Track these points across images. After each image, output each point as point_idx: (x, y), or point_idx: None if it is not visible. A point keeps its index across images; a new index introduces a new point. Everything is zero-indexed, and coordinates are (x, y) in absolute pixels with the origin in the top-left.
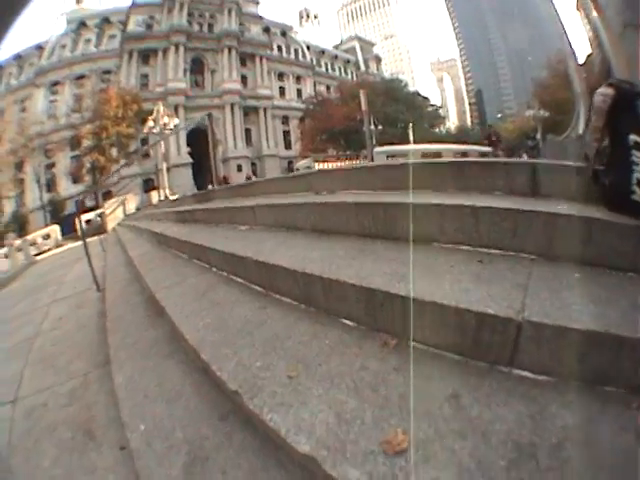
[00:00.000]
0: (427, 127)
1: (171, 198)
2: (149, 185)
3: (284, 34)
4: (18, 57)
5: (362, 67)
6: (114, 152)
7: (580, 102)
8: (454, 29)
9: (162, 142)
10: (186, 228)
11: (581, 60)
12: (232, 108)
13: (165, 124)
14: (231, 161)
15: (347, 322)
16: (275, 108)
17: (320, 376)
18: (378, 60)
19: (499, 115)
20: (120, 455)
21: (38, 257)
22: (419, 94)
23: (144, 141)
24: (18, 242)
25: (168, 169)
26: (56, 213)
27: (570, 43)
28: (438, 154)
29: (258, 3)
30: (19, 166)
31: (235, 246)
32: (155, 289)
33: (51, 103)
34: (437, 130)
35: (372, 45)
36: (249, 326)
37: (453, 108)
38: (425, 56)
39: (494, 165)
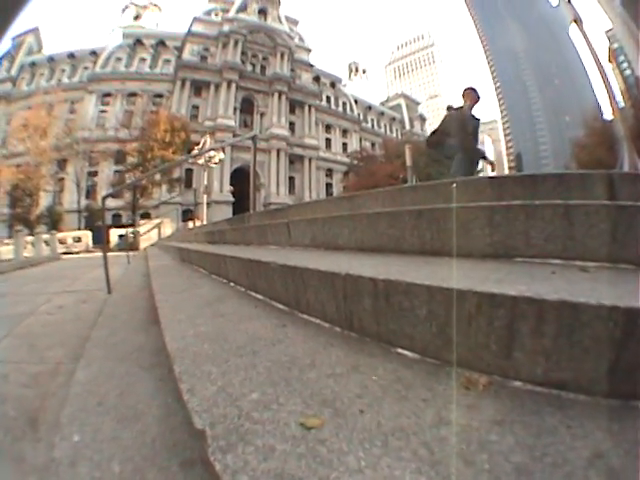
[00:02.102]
0: None
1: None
2: (187, 215)
3: (333, 85)
4: (71, 56)
5: (407, 125)
6: (157, 175)
7: (621, 155)
8: (496, 90)
9: (205, 175)
10: (212, 247)
11: (612, 114)
12: (278, 154)
13: (211, 157)
14: (272, 207)
15: (406, 352)
16: (320, 159)
17: (362, 431)
18: (423, 120)
19: None
20: (43, 462)
21: (64, 256)
22: None
23: (188, 171)
24: (46, 236)
25: (208, 203)
26: (91, 220)
27: (610, 95)
28: None
29: (310, 51)
30: (61, 165)
31: (259, 255)
32: (158, 294)
33: (101, 113)
34: None
35: (417, 104)
36: (256, 344)
37: (493, 172)
38: None
39: None
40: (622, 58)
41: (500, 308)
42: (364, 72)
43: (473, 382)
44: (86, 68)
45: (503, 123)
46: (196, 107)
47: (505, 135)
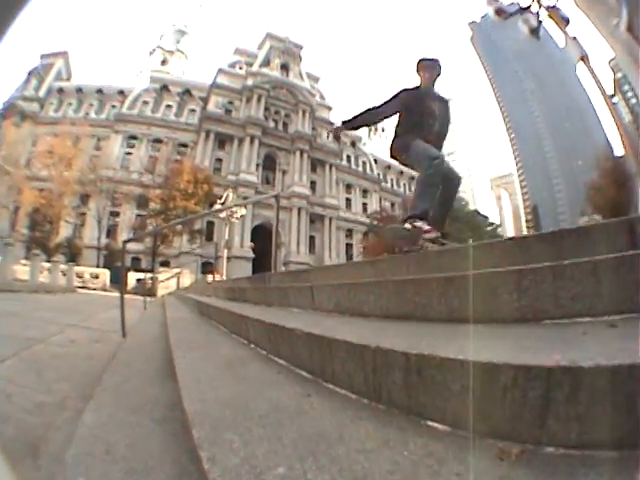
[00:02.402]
0: None
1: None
2: (207, 268)
3: (354, 144)
4: (99, 91)
5: None
6: (179, 225)
7: (636, 192)
8: (511, 142)
9: (227, 230)
10: (232, 305)
11: (623, 149)
12: (299, 212)
13: (233, 212)
14: (291, 265)
15: (436, 425)
16: (340, 219)
17: None
18: None
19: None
20: None
21: (80, 289)
22: (479, 212)
23: (209, 223)
24: (64, 266)
25: (228, 258)
26: (110, 259)
27: (619, 130)
28: None
29: (331, 109)
30: (84, 199)
31: (282, 319)
32: (176, 348)
33: (126, 155)
34: None
35: None
36: (280, 413)
37: (511, 226)
38: (484, 172)
39: None
40: (626, 87)
41: (536, 380)
42: (383, 130)
43: (506, 452)
44: (114, 106)
45: (519, 175)
46: (219, 160)
47: (521, 187)
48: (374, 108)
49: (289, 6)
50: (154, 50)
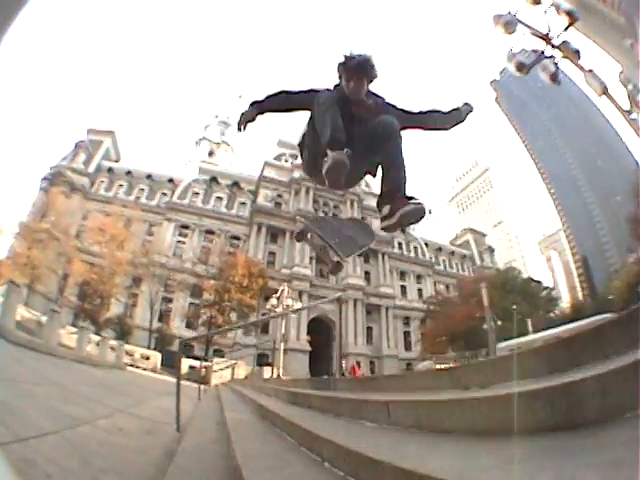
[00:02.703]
0: (543, 314)
1: (283, 377)
2: (262, 360)
3: (403, 231)
4: (149, 177)
5: (477, 261)
6: (233, 316)
7: None
8: (552, 197)
9: (283, 322)
10: (297, 411)
11: None
12: (355, 304)
13: (288, 306)
14: (350, 357)
15: None
16: (397, 308)
17: None
18: (491, 251)
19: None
20: None
21: (129, 367)
22: (532, 279)
23: (264, 315)
24: (114, 342)
25: (285, 351)
26: (161, 343)
27: None
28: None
29: (377, 196)
30: (136, 281)
31: (363, 444)
32: (244, 464)
33: (178, 243)
34: (553, 315)
35: (484, 236)
36: None
37: (564, 285)
38: (532, 236)
39: None
40: None
41: None
42: (430, 212)
43: None
44: (164, 194)
45: (564, 230)
46: (272, 253)
47: (569, 242)
48: (289, 92)
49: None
50: (200, 140)
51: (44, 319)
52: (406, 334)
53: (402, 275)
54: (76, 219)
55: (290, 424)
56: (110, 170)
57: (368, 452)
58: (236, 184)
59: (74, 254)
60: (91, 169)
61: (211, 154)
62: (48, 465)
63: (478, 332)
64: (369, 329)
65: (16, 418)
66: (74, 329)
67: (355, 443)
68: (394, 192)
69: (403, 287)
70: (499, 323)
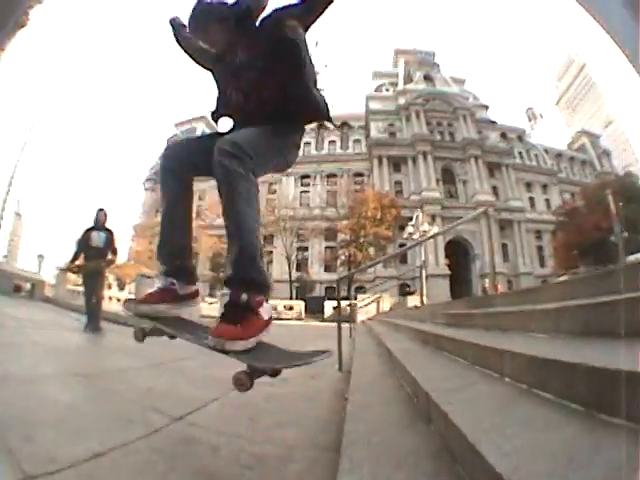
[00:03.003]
0: None
1: (428, 304)
2: (404, 289)
3: (521, 139)
4: None
5: (597, 166)
6: (371, 251)
7: None
8: None
9: (422, 249)
10: (460, 331)
11: None
12: (488, 221)
13: (425, 231)
14: (488, 277)
15: None
16: (527, 221)
17: None
18: (607, 154)
19: None
20: None
21: (275, 322)
22: None
23: (401, 245)
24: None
25: (426, 277)
26: (302, 291)
27: None
28: None
29: (487, 107)
30: (268, 239)
31: (544, 351)
32: (430, 389)
33: (303, 193)
34: None
35: (598, 137)
36: (580, 455)
37: None
38: None
39: None
40: None
41: None
42: (541, 117)
43: None
44: None
45: None
46: (398, 182)
47: None
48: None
49: (404, 17)
50: None
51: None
52: (539, 249)
53: (528, 186)
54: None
55: (457, 345)
56: None
57: (557, 357)
58: (345, 124)
59: (199, 232)
60: None
61: None
62: (212, 436)
63: (606, 244)
64: (504, 246)
65: (176, 394)
66: (213, 299)
67: (539, 352)
68: None
69: (531, 199)
70: (624, 234)
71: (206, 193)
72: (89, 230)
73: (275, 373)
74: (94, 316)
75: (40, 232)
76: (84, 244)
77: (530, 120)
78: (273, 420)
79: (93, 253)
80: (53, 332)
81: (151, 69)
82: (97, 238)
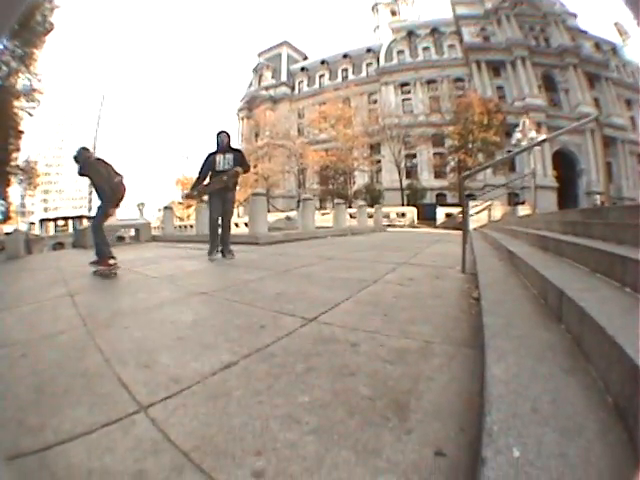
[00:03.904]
0: None
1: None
2: (512, 199)
3: (615, 52)
4: (346, 56)
5: None
6: (480, 157)
7: None
8: None
9: (531, 157)
10: (579, 239)
11: None
12: (592, 135)
13: (532, 138)
14: (594, 196)
15: None
16: (630, 142)
17: None
18: None
19: None
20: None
21: (388, 228)
22: None
23: (508, 153)
24: (370, 209)
25: (536, 187)
26: (413, 198)
27: None
28: None
29: (575, 16)
30: (374, 148)
31: None
32: (563, 286)
33: (404, 101)
34: None
35: None
36: None
37: None
38: None
39: None
40: None
41: None
42: (628, 33)
43: None
44: (369, 64)
45: None
46: (500, 88)
47: None
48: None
49: None
50: (376, 6)
51: (293, 214)
52: None
53: (628, 104)
54: (292, 121)
55: (579, 251)
56: (303, 69)
57: None
58: (435, 30)
59: (304, 148)
60: (283, 78)
61: (394, 13)
62: (350, 334)
63: None
64: (608, 165)
65: (305, 297)
66: (325, 210)
67: None
68: None
69: (631, 118)
70: None
71: (305, 110)
72: (212, 154)
73: None
74: (223, 240)
75: (135, 185)
76: (207, 169)
77: (621, 35)
78: (406, 316)
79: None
80: (167, 263)
81: None
82: (223, 161)
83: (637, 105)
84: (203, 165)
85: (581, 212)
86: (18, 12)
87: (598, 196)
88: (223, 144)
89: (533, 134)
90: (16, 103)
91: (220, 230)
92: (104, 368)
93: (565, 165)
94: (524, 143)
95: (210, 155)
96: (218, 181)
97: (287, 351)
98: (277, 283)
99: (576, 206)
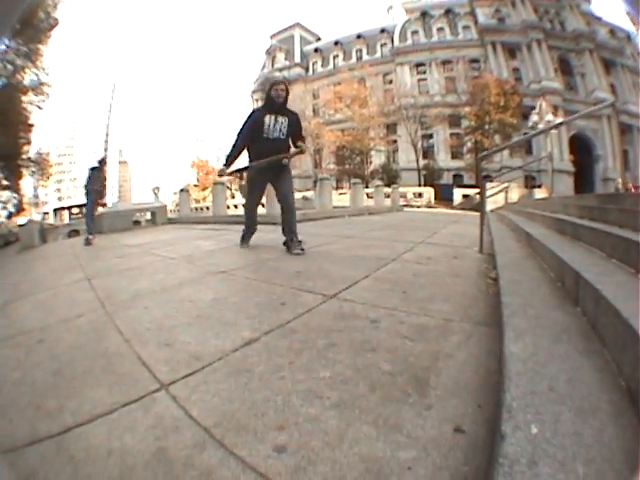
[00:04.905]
0: None
1: (555, 197)
2: (529, 182)
3: (630, 39)
4: (359, 36)
5: None
6: (497, 139)
7: None
8: None
9: (549, 141)
10: (597, 223)
11: None
12: (609, 121)
13: (549, 121)
14: (610, 183)
15: None
16: None
17: None
18: None
19: None
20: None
21: (405, 208)
22: None
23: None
24: (387, 189)
25: (552, 171)
26: (430, 178)
27: None
28: None
29: (590, 1)
30: (391, 128)
31: None
32: (580, 269)
33: (420, 81)
34: None
35: None
36: None
37: None
38: None
39: None
40: None
41: None
42: None
43: None
44: (383, 45)
45: None
46: (516, 70)
47: None
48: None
49: None
50: None
51: (310, 194)
52: None
53: None
54: (307, 101)
55: (596, 235)
56: (317, 50)
57: None
58: (449, 11)
59: (319, 128)
60: (297, 59)
61: None
62: (370, 310)
63: None
64: (625, 153)
65: (325, 274)
66: (342, 190)
67: None
68: None
69: None
70: None
71: (320, 90)
72: (260, 112)
73: None
74: (289, 228)
75: (150, 171)
76: (251, 133)
77: (634, 24)
78: (425, 294)
79: (269, 148)
80: (185, 243)
81: None
82: (274, 125)
83: None
84: (244, 126)
85: (597, 197)
86: (19, 11)
87: (620, 180)
88: (279, 101)
89: (550, 117)
90: (24, 98)
91: (282, 215)
92: (124, 348)
93: (582, 150)
94: (541, 126)
95: (256, 112)
96: (274, 159)
97: (308, 327)
98: (296, 261)
99: (592, 192)
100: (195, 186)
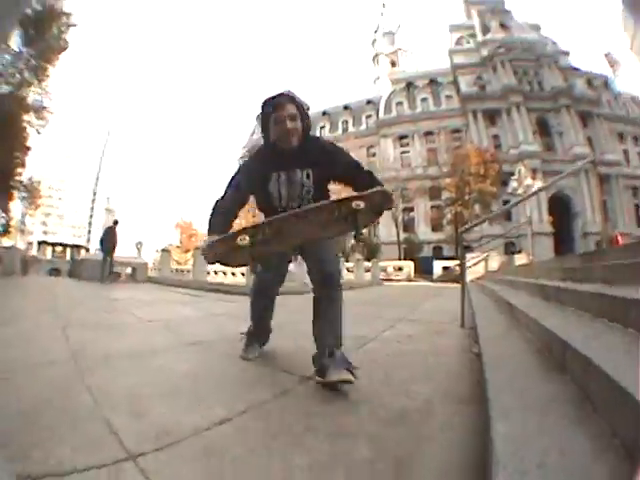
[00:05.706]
0: None
1: (535, 262)
2: (509, 248)
3: (606, 86)
4: (346, 107)
5: None
6: (477, 208)
7: None
8: None
9: (526, 205)
10: (580, 285)
11: None
12: (587, 175)
13: (528, 186)
14: (590, 237)
15: None
16: (623, 177)
17: None
18: None
19: None
20: None
21: (385, 282)
22: None
23: (505, 202)
24: (367, 263)
25: (532, 234)
26: (410, 252)
27: None
28: None
29: (568, 54)
30: None
31: None
32: (568, 338)
33: (402, 154)
34: None
35: None
36: None
37: None
38: None
39: None
40: None
41: None
42: (620, 63)
43: None
44: (369, 116)
45: None
46: (496, 137)
47: None
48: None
49: None
50: (376, 57)
51: (290, 267)
52: (637, 207)
53: (620, 138)
54: None
55: (580, 297)
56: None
57: None
58: (433, 81)
59: None
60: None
61: (393, 64)
62: (352, 391)
63: None
64: (604, 202)
65: (302, 353)
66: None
67: None
68: None
69: (625, 152)
70: None
71: None
72: (259, 162)
73: None
74: (324, 336)
75: (134, 224)
76: (244, 196)
77: (612, 66)
78: (406, 374)
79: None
80: (159, 307)
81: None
82: (290, 186)
83: (629, 137)
84: (232, 182)
85: (579, 257)
86: (21, 10)
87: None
88: (291, 141)
89: (529, 181)
90: (25, 117)
91: (314, 299)
92: (93, 410)
93: (560, 209)
94: (520, 191)
95: (252, 163)
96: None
97: (284, 409)
98: (271, 339)
99: (572, 250)
100: (177, 247)
